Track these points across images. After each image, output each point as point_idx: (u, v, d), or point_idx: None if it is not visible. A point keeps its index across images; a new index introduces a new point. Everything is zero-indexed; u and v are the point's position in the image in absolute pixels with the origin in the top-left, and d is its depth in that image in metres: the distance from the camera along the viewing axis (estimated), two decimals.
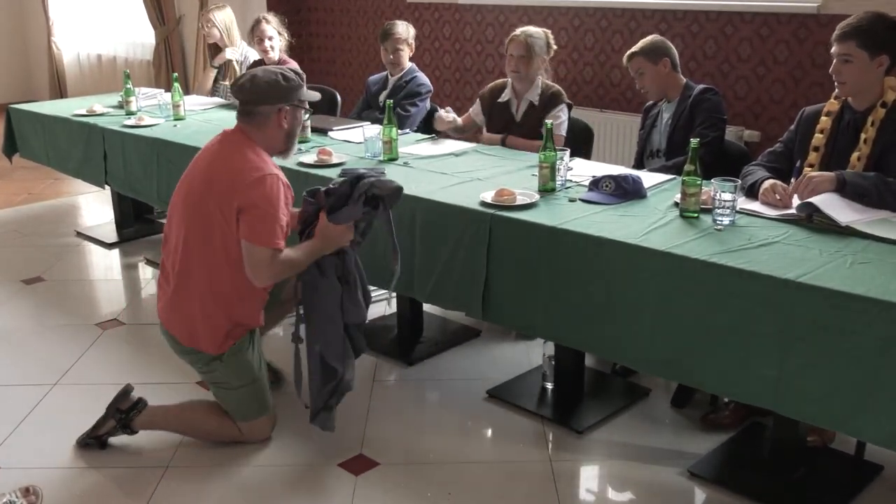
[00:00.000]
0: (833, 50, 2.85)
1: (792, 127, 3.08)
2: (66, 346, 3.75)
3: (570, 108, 3.91)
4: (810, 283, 2.19)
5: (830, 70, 2.90)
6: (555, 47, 3.92)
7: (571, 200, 2.93)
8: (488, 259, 2.83)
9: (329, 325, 2.80)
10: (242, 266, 2.71)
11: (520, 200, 2.92)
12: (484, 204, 2.91)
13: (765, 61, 4.23)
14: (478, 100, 4.10)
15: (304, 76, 2.95)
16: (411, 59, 4.55)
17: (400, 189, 2.76)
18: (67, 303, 4.23)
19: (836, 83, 2.89)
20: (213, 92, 5.39)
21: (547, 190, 3.02)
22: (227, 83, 5.19)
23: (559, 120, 3.79)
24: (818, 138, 2.92)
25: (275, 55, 4.85)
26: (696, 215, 2.70)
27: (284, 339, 3.61)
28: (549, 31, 3.91)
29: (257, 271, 2.70)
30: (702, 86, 3.52)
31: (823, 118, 2.94)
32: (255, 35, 4.87)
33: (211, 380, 2.93)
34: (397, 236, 2.83)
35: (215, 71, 5.41)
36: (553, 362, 3.26)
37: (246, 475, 2.79)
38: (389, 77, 4.51)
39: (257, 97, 2.78)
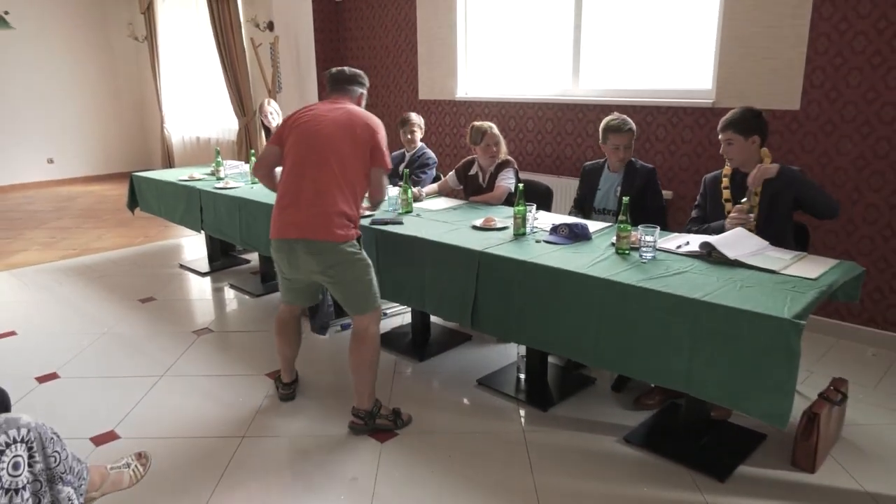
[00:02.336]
0: (720, 137, 2.92)
1: (700, 192, 3.11)
2: (170, 347, 3.74)
3: (516, 171, 3.81)
4: (711, 301, 2.20)
5: (721, 151, 2.95)
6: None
7: (537, 242, 2.94)
8: (476, 284, 2.83)
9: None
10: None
11: (499, 224, 3.13)
12: (474, 237, 2.91)
13: (675, 141, 4.26)
14: (453, 172, 4.08)
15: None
16: (422, 140, 4.57)
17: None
18: (172, 316, 4.22)
19: (727, 159, 2.94)
20: None
21: (519, 234, 3.03)
22: None
23: (506, 179, 3.74)
24: (726, 193, 2.98)
25: None
26: (627, 252, 2.71)
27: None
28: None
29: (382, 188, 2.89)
30: (646, 165, 3.43)
31: (724, 179, 2.99)
32: None
33: (352, 274, 2.73)
34: (416, 268, 2.82)
35: None
36: (524, 359, 3.25)
37: (298, 442, 2.77)
38: (406, 153, 4.53)
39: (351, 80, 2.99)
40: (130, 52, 9.88)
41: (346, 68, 3.02)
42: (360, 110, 2.90)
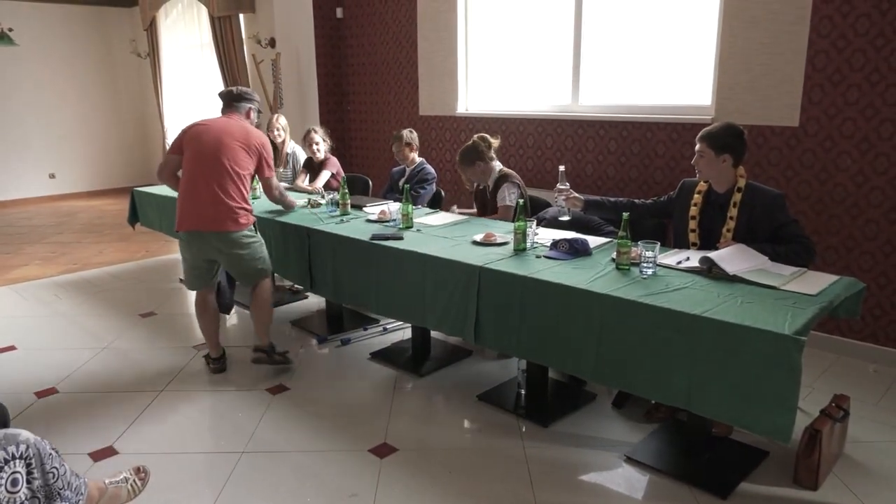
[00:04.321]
0: (695, 147, 2.91)
1: (674, 193, 3.12)
2: (170, 362, 3.74)
3: (518, 185, 3.86)
4: (712, 317, 2.19)
5: (692, 161, 2.94)
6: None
7: (538, 257, 2.94)
8: (478, 299, 2.83)
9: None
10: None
11: (499, 239, 3.13)
12: (474, 252, 2.92)
13: (674, 157, 4.28)
14: (472, 194, 4.15)
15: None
16: (421, 155, 4.59)
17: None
18: (172, 331, 4.22)
19: (696, 170, 2.94)
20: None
21: (520, 249, 3.03)
22: (280, 170, 5.22)
23: (506, 197, 3.81)
24: (693, 209, 2.97)
25: (321, 155, 4.89)
26: (627, 268, 2.71)
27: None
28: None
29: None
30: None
31: (696, 195, 2.97)
32: (306, 140, 4.88)
33: (250, 252, 3.43)
34: (416, 284, 2.84)
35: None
36: (525, 374, 3.24)
37: (299, 459, 2.76)
38: (407, 169, 4.55)
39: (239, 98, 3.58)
40: (132, 68, 9.96)
41: (234, 88, 3.60)
42: (248, 124, 3.53)
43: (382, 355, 3.74)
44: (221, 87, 7.56)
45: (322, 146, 4.89)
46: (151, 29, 8.89)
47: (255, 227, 3.48)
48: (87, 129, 9.64)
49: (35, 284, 5.29)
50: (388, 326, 4.14)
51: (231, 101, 3.55)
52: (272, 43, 7.04)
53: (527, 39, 5.16)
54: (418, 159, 4.53)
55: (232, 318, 4.54)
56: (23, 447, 1.86)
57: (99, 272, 5.62)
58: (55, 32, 9.16)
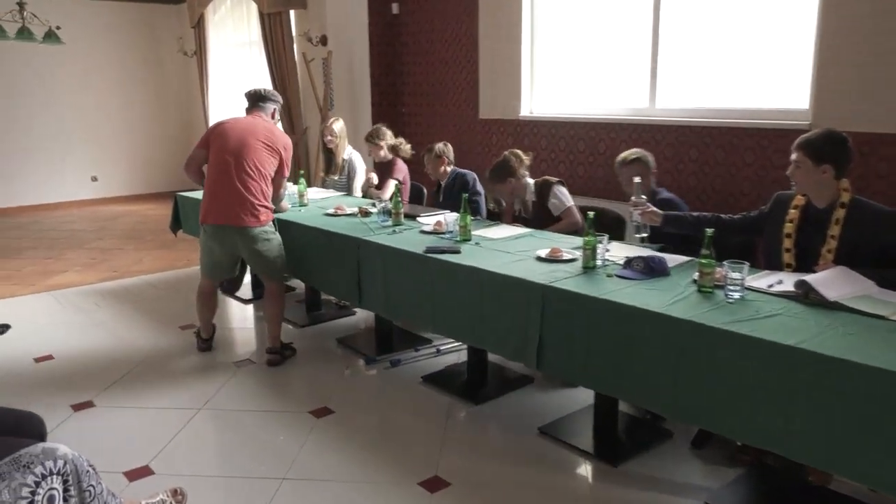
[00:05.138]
0: (791, 156, 2.80)
1: (766, 207, 3.02)
2: (209, 378, 3.82)
3: (561, 183, 3.99)
4: (809, 350, 2.10)
5: (787, 171, 2.83)
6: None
7: (609, 276, 2.89)
8: (542, 321, 2.80)
9: None
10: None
11: (567, 255, 3.12)
12: (538, 269, 2.91)
13: (764, 166, 4.16)
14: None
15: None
16: (481, 164, 4.61)
17: None
18: (213, 346, 4.30)
19: (791, 183, 2.83)
20: (323, 183, 5.48)
21: (589, 267, 2.99)
22: (335, 177, 5.31)
23: (562, 191, 3.94)
24: (788, 226, 2.85)
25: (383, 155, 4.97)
26: (711, 290, 2.63)
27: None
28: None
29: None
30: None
31: (792, 211, 2.86)
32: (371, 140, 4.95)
33: (269, 249, 3.87)
34: (473, 302, 2.83)
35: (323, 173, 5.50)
36: (594, 407, 3.18)
37: (343, 489, 2.77)
38: (442, 183, 4.61)
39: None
40: (178, 68, 10.34)
41: (260, 88, 4.03)
42: (273, 125, 3.97)
43: (435, 379, 3.74)
44: (270, 88, 7.77)
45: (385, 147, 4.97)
46: (199, 26, 9.23)
47: (274, 224, 3.97)
48: (130, 130, 10.05)
49: (74, 292, 5.52)
50: (441, 347, 4.14)
51: (257, 100, 3.99)
52: (323, 41, 7.20)
53: (599, 35, 5.11)
54: (450, 169, 4.55)
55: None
56: (60, 462, 1.93)
57: (138, 281, 5.83)
58: (102, 31, 9.61)
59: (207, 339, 4.20)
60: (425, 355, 4.08)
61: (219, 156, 3.81)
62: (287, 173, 4.01)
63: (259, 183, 3.80)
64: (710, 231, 2.66)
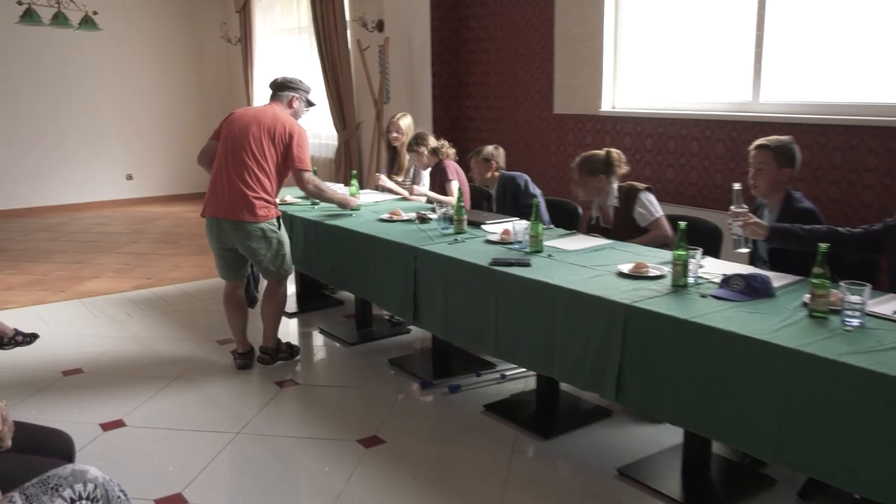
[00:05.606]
0: None
1: (892, 220, 2.94)
2: (249, 399, 3.91)
3: (649, 190, 3.99)
4: None
5: None
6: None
7: (702, 296, 2.84)
8: (623, 346, 2.77)
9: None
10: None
11: (653, 271, 3.10)
12: (620, 287, 2.88)
13: (891, 171, 4.02)
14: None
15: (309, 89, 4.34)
16: (556, 164, 4.61)
17: None
18: (253, 363, 4.39)
19: None
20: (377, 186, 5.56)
21: (679, 285, 2.94)
22: (399, 179, 5.39)
23: (650, 200, 3.94)
24: None
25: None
26: (824, 316, 2.56)
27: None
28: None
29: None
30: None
31: None
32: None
33: (266, 247, 4.04)
34: (544, 323, 2.82)
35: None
36: (683, 446, 3.12)
37: None
38: (492, 191, 4.69)
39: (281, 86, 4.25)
40: (221, 57, 10.66)
41: (280, 76, 4.28)
42: (283, 113, 4.14)
43: (499, 409, 3.74)
44: (320, 78, 7.93)
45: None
46: (245, 10, 9.51)
47: (278, 221, 4.10)
48: (169, 125, 10.40)
49: (106, 299, 5.73)
50: (506, 373, 4.13)
51: (275, 89, 4.24)
52: (380, 26, 7.32)
53: (693, 18, 5.04)
54: (497, 174, 4.63)
55: (320, 353, 4.71)
56: (91, 486, 2.00)
57: (174, 289, 6.01)
58: (140, 16, 9.99)
59: (244, 355, 4.31)
60: (488, 381, 4.08)
61: (222, 146, 4.06)
62: (300, 164, 4.10)
63: (258, 175, 3.97)
64: (823, 246, 2.59)
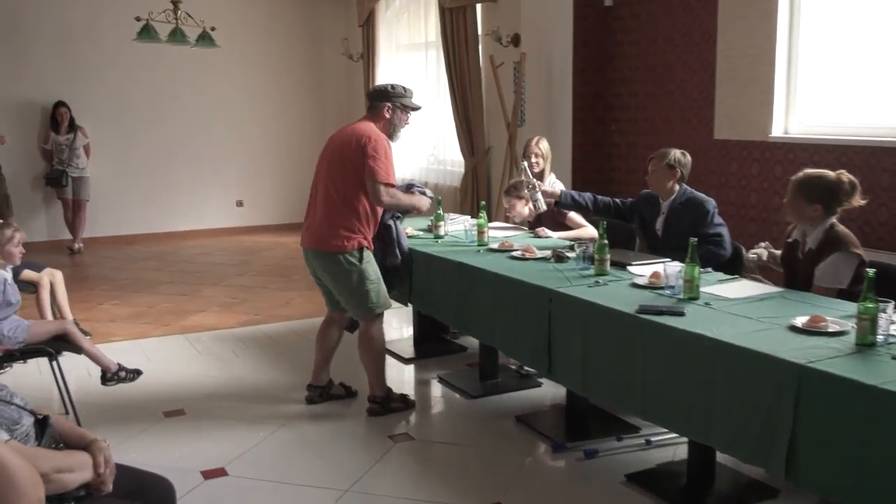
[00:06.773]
0: None
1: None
2: (359, 454, 3.99)
3: (857, 258, 3.61)
4: None
5: None
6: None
7: (894, 358, 2.70)
8: (795, 414, 2.66)
9: None
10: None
11: (832, 328, 2.99)
12: (793, 343, 2.80)
13: None
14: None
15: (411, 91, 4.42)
16: (713, 195, 4.49)
17: None
18: (364, 413, 4.49)
19: None
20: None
21: (865, 344, 2.81)
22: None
23: (844, 267, 3.59)
24: None
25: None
26: None
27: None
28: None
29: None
30: None
31: None
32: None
33: (348, 279, 4.23)
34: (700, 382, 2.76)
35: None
36: None
37: None
38: (663, 202, 4.45)
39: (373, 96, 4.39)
40: (341, 74, 11.11)
41: (377, 85, 4.52)
42: (365, 126, 4.23)
43: (643, 479, 3.66)
44: (447, 98, 8.12)
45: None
46: (367, 25, 9.89)
47: (360, 253, 4.22)
48: (284, 147, 10.88)
49: (211, 336, 6.03)
50: (652, 438, 4.04)
51: (370, 101, 4.42)
52: (515, 41, 7.43)
53: (884, 30, 4.85)
54: (678, 188, 4.41)
55: (438, 405, 4.75)
56: None
57: (282, 327, 6.25)
58: (257, 32, 10.56)
59: (313, 387, 4.61)
60: (631, 447, 4.00)
61: (315, 172, 4.42)
62: (371, 175, 4.07)
63: (338, 204, 4.19)
64: None
